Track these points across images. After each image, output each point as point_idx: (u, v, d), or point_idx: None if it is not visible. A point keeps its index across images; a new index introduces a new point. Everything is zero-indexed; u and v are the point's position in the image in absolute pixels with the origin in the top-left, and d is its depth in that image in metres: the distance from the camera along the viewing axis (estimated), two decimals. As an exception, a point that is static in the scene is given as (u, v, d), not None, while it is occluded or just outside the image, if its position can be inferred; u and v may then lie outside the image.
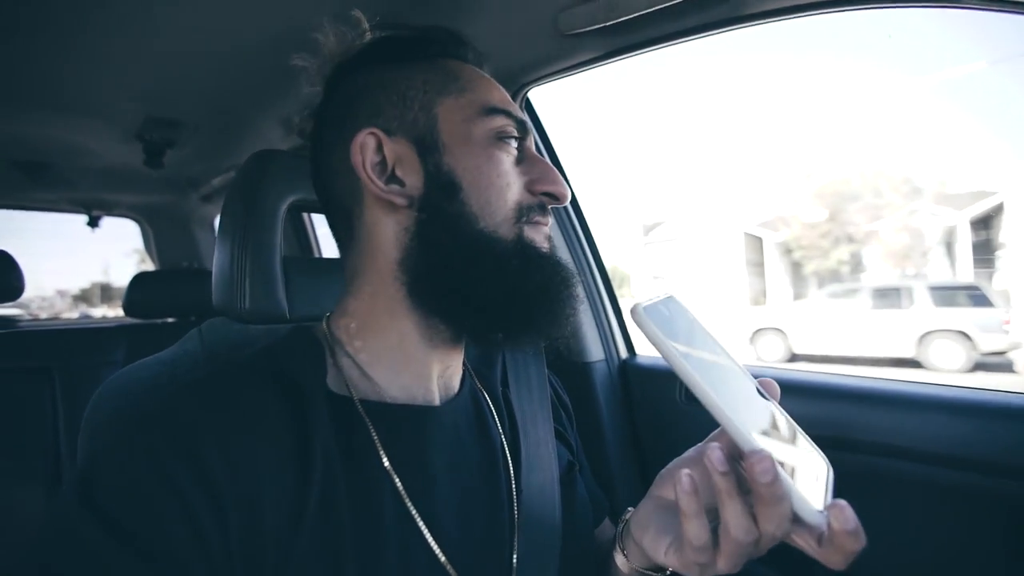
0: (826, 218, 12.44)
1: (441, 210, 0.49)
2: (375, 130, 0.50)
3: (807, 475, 0.37)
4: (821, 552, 0.35)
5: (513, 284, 0.49)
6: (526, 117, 0.55)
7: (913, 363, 6.92)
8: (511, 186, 0.51)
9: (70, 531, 0.37)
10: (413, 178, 0.50)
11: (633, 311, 0.38)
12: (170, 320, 1.72)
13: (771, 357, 8.15)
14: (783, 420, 0.40)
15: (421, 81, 0.52)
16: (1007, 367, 6.67)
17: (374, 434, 0.48)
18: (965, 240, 10.37)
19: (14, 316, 2.21)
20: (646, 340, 0.39)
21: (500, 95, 0.54)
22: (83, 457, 0.59)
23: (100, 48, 1.03)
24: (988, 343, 6.56)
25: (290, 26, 0.92)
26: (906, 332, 7.03)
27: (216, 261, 0.68)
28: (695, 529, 0.39)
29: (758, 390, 0.41)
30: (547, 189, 0.52)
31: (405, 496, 0.46)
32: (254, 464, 0.41)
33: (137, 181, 1.90)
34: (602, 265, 1.12)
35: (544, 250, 0.52)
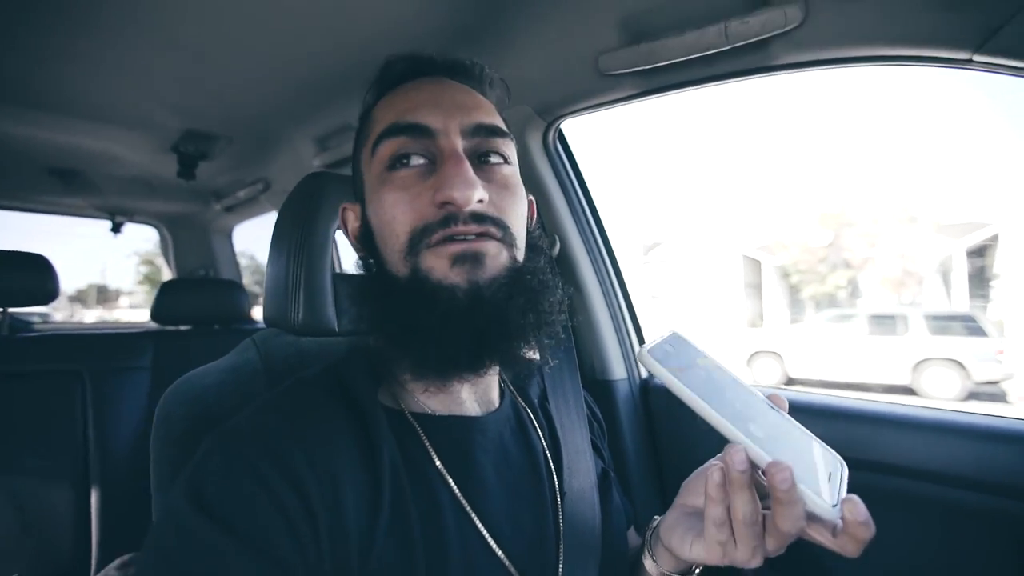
0: (825, 243, 12.57)
1: (373, 261, 0.55)
2: (347, 205, 0.58)
3: (821, 474, 0.42)
4: (836, 542, 0.40)
5: (415, 322, 0.48)
6: (432, 120, 0.50)
7: (907, 390, 6.96)
8: (397, 218, 0.50)
9: (187, 532, 0.40)
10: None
11: (639, 355, 0.44)
12: (188, 328, 1.76)
13: (767, 380, 8.17)
14: (793, 428, 0.45)
15: (359, 135, 0.57)
16: (1000, 396, 6.72)
17: (426, 442, 0.52)
18: (961, 269, 10.50)
19: (33, 318, 2.24)
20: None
21: (398, 109, 0.51)
22: (184, 469, 0.62)
23: (142, 63, 1.07)
24: (982, 372, 6.62)
25: (328, 46, 0.97)
26: (901, 359, 7.08)
27: (269, 275, 0.72)
28: (717, 512, 0.43)
29: (768, 405, 0.46)
30: (439, 199, 0.48)
31: (461, 497, 0.50)
32: (334, 472, 0.45)
33: (164, 189, 1.94)
34: (624, 285, 1.16)
35: (440, 280, 0.48)
